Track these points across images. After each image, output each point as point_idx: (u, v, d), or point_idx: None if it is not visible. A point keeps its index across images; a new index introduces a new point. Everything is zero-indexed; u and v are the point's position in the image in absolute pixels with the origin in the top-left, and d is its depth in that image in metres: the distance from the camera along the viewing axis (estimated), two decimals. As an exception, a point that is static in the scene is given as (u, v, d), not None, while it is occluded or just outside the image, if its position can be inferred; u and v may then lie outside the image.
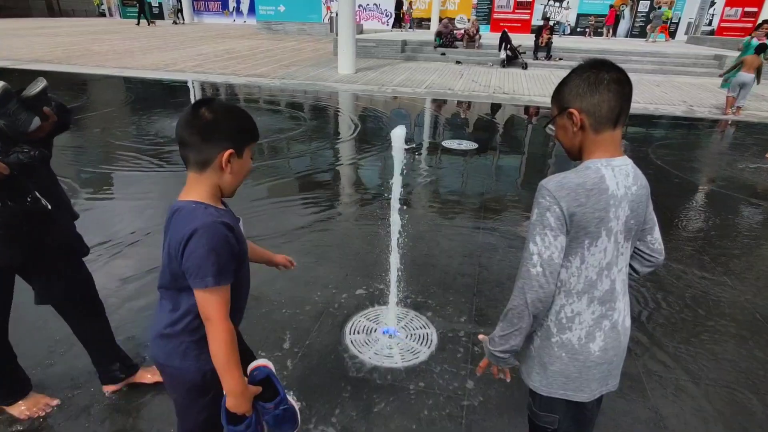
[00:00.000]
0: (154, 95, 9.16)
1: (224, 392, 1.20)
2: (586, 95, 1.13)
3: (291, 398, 1.34)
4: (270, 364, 1.30)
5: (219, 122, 1.14)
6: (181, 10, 28.39)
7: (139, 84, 10.04)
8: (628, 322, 1.28)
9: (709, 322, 2.76)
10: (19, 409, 1.93)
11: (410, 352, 2.45)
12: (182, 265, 1.13)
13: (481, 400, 2.15)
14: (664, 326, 2.71)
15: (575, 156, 1.23)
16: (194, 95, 9.17)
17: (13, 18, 28.16)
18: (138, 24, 25.53)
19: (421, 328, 2.63)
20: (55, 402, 2.01)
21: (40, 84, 1.54)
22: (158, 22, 27.90)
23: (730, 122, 8.25)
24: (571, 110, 1.15)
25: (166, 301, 1.26)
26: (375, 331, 2.59)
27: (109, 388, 2.09)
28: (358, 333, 2.57)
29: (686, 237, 3.88)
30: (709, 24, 21.92)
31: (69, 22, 27.46)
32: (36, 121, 1.54)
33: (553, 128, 1.25)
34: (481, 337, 1.39)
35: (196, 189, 1.19)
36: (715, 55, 13.63)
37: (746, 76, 8.17)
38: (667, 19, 20.91)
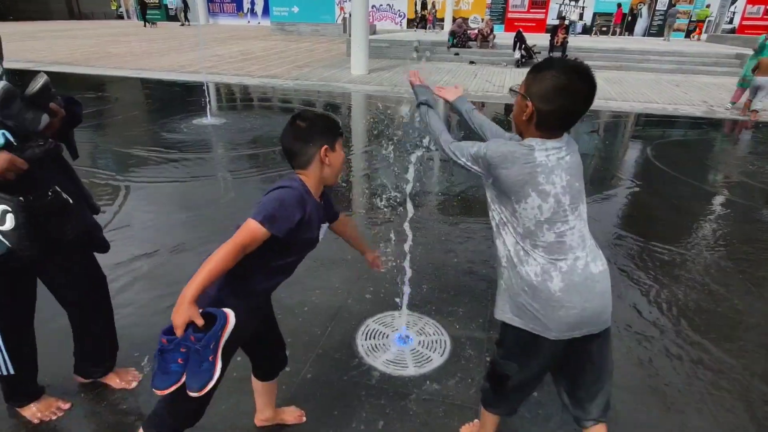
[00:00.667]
0: (171, 96, 9.27)
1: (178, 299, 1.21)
2: (551, 99, 1.27)
3: (219, 365, 1.26)
4: (231, 315, 1.28)
5: (311, 127, 1.42)
6: (186, 12, 28.16)
7: (156, 85, 10.17)
8: (596, 269, 1.36)
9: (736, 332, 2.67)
10: (31, 411, 1.94)
11: (423, 358, 2.41)
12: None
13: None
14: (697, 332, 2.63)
15: (518, 131, 1.42)
16: (209, 96, 9.25)
17: (34, 21, 28.82)
18: (145, 26, 25.98)
19: (433, 334, 2.59)
20: (67, 405, 2.01)
21: (41, 80, 1.53)
22: (166, 24, 28.19)
23: (750, 124, 8.02)
24: (529, 104, 1.30)
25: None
26: (387, 336, 2.56)
27: (79, 379, 2.13)
28: (370, 339, 2.54)
29: (707, 244, 3.77)
30: (730, 22, 21.42)
31: (88, 24, 27.98)
32: (45, 118, 1.54)
33: (515, 95, 1.38)
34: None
35: (303, 176, 1.44)
36: (737, 54, 13.29)
37: (763, 80, 7.88)
38: (706, 17, 20.53)
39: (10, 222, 1.48)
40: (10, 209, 1.47)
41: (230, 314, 1.28)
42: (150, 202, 4.22)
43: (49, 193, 1.57)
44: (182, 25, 27.90)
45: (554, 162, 1.31)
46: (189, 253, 3.33)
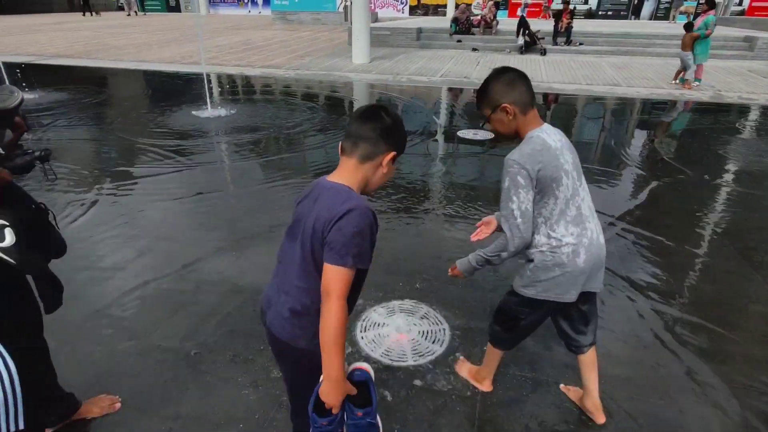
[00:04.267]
0: (171, 88, 9.24)
1: (321, 377, 1.18)
2: (510, 92, 1.59)
3: (378, 419, 1.27)
4: (371, 370, 1.26)
5: (395, 128, 1.31)
6: None
7: (156, 77, 10.14)
8: (602, 239, 1.71)
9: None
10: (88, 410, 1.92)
11: (422, 349, 2.41)
12: (327, 238, 1.17)
13: (494, 400, 2.10)
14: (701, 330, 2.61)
15: (513, 137, 1.66)
16: (209, 86, 9.21)
17: (36, 14, 28.72)
18: (84, 15, 26.70)
19: (434, 324, 2.59)
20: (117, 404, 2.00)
21: (17, 97, 1.51)
22: (167, 14, 28.06)
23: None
24: (504, 105, 1.58)
25: (299, 278, 1.26)
26: (386, 326, 2.56)
27: None
28: (369, 329, 2.54)
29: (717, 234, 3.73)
30: (740, 4, 20.96)
31: (88, 16, 27.86)
32: (8, 134, 1.53)
33: (488, 125, 1.68)
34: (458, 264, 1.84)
35: (351, 176, 1.29)
36: (746, 37, 13.02)
37: (682, 53, 8.76)
38: None
39: (10, 237, 1.37)
40: (7, 223, 1.37)
41: (369, 369, 1.27)
42: (151, 197, 4.23)
43: (33, 206, 1.53)
44: (129, 15, 27.93)
45: (560, 144, 1.61)
46: (175, 243, 3.34)
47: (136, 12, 28.71)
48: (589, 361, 1.94)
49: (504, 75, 1.61)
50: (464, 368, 2.25)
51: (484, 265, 1.72)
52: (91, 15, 27.14)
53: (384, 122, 1.28)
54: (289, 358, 1.36)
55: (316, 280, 1.21)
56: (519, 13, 14.78)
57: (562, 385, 2.16)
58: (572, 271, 1.63)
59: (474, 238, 1.90)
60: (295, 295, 1.27)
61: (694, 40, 8.69)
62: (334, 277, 1.16)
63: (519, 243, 1.58)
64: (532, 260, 1.67)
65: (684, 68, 8.98)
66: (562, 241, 1.61)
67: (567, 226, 1.61)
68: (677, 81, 9.18)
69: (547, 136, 1.59)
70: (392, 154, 1.30)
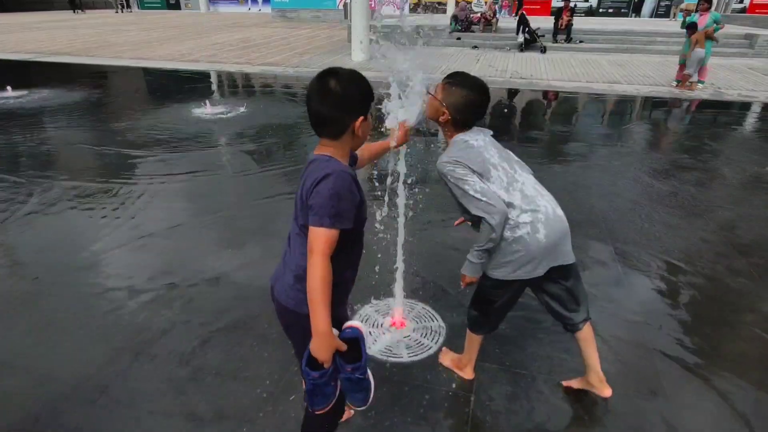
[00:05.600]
0: (170, 86, 9.22)
1: (312, 332, 1.21)
2: (461, 107, 1.73)
3: (370, 374, 1.33)
4: (363, 328, 1.30)
5: (350, 94, 1.25)
6: None
7: (155, 74, 10.13)
8: (559, 211, 1.78)
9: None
10: None
11: (417, 345, 2.40)
12: (309, 202, 1.23)
13: (487, 396, 2.10)
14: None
15: (430, 119, 1.82)
16: (209, 85, 9.20)
17: (36, 12, 28.69)
18: (75, 12, 26.93)
19: (428, 320, 2.59)
20: None
21: None
22: (165, 12, 28.00)
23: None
24: (446, 110, 1.74)
25: (300, 244, 1.31)
26: (381, 324, 2.55)
27: None
28: (365, 326, 2.53)
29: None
30: (740, 1, 20.88)
31: (88, 14, 27.83)
32: None
33: (428, 97, 1.80)
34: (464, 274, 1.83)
35: (330, 150, 1.31)
36: (746, 34, 12.98)
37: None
38: None
39: None
40: None
41: (361, 327, 1.30)
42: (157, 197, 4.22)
43: None
44: (120, 11, 27.95)
45: (481, 143, 1.75)
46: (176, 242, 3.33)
47: (122, 10, 28.73)
48: (586, 336, 1.97)
49: (474, 95, 1.71)
50: (447, 357, 2.28)
51: (484, 256, 1.74)
52: (83, 12, 27.30)
53: (336, 96, 1.24)
54: (297, 327, 1.37)
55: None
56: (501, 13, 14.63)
57: (563, 382, 2.15)
58: (536, 248, 1.70)
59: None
60: (298, 262, 1.32)
61: (707, 36, 8.40)
62: (315, 237, 1.21)
63: (498, 217, 1.62)
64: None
65: (690, 71, 8.54)
66: (518, 221, 1.69)
67: (517, 209, 1.69)
68: (689, 83, 8.67)
69: (468, 138, 1.74)
70: (360, 119, 1.29)
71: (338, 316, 1.33)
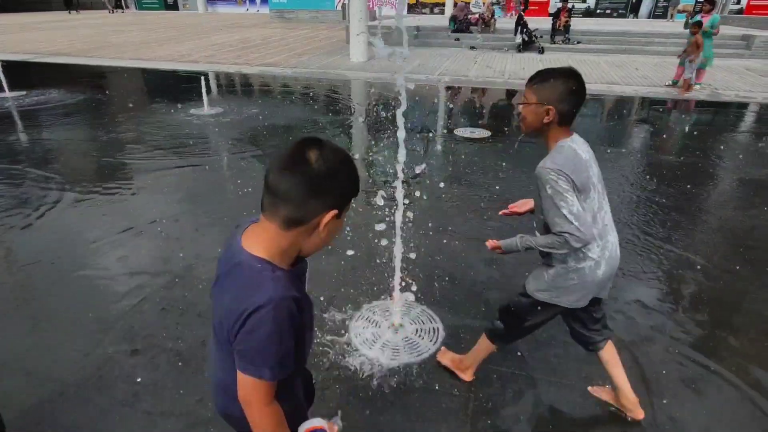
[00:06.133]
0: (169, 86, 9.22)
1: None
2: (565, 100, 1.56)
3: None
4: (325, 426, 1.09)
5: (331, 176, 0.92)
6: None
7: (154, 75, 10.12)
8: (617, 251, 1.73)
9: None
10: None
11: (416, 347, 2.42)
12: (234, 342, 0.94)
13: (486, 397, 2.11)
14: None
15: (531, 134, 1.66)
16: (207, 86, 9.20)
17: (34, 12, 28.61)
18: (70, 12, 27.02)
19: (427, 322, 2.60)
20: None
21: None
22: (164, 12, 27.94)
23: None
24: (550, 108, 1.56)
25: (222, 354, 1.04)
26: (380, 325, 2.57)
27: None
28: (364, 327, 2.55)
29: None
30: (738, 2, 20.95)
31: (83, 14, 27.77)
32: None
33: (522, 107, 1.64)
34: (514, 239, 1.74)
35: (270, 244, 0.96)
36: (743, 35, 13.02)
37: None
38: None
39: None
40: None
41: (323, 426, 1.08)
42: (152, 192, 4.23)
43: None
44: (111, 12, 27.94)
45: (588, 156, 1.62)
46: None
47: (113, 10, 28.70)
48: (609, 357, 1.93)
49: (572, 81, 1.56)
50: (446, 357, 2.26)
51: (526, 250, 1.70)
52: (77, 13, 27.30)
53: (312, 171, 0.90)
54: (232, 423, 1.17)
55: (233, 364, 0.99)
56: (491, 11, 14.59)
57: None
58: (590, 282, 1.67)
59: (502, 212, 1.95)
60: (221, 372, 1.08)
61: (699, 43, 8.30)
62: (253, 390, 0.96)
63: (580, 246, 1.55)
64: (552, 266, 1.69)
65: (691, 74, 8.43)
66: (587, 255, 1.63)
67: (593, 238, 1.60)
68: (694, 85, 8.52)
69: (577, 147, 1.60)
70: (331, 213, 0.93)
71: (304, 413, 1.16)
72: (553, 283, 1.70)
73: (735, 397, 2.13)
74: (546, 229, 1.62)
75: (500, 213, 1.94)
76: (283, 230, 0.94)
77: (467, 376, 2.16)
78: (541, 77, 1.60)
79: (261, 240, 0.96)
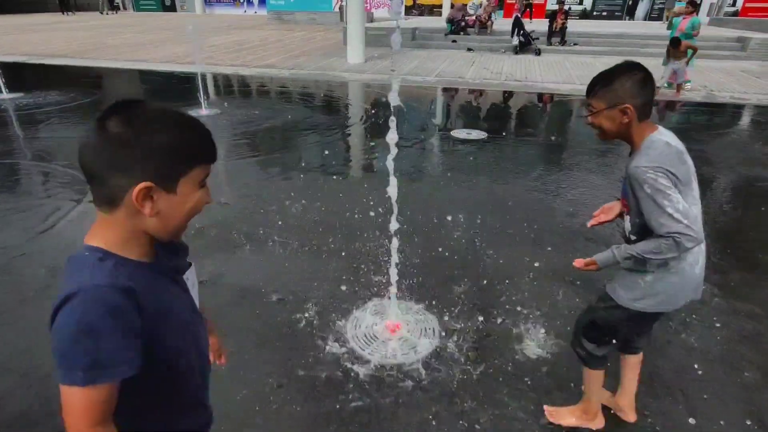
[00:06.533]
0: (167, 87, 9.21)
1: None
2: (638, 94, 1.46)
3: None
4: None
5: (133, 141, 0.76)
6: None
7: (151, 76, 10.11)
8: (704, 246, 1.59)
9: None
10: None
11: (411, 346, 2.43)
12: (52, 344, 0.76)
13: (482, 395, 2.12)
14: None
15: (614, 138, 1.55)
16: (204, 87, 9.20)
17: (31, 14, 28.55)
18: (64, 14, 27.00)
19: (423, 321, 2.61)
20: None
21: None
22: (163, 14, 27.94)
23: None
24: (627, 106, 1.46)
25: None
26: (376, 325, 2.57)
27: None
28: (359, 327, 2.56)
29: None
30: (733, 5, 21.10)
31: (78, 15, 27.73)
32: None
33: (591, 118, 1.54)
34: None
35: (105, 232, 0.82)
36: (739, 38, 13.12)
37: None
38: None
39: None
40: None
41: None
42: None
43: None
44: (104, 13, 27.92)
45: (681, 146, 1.51)
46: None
47: (107, 12, 28.70)
48: (636, 361, 1.91)
49: (636, 73, 1.47)
50: (563, 414, 1.99)
51: (631, 263, 1.53)
52: (73, 14, 27.39)
53: (110, 140, 0.76)
54: None
55: None
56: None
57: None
58: (690, 280, 1.56)
59: (591, 224, 1.75)
60: None
61: (687, 46, 8.39)
62: (66, 401, 0.76)
63: (692, 245, 1.42)
64: (650, 272, 1.54)
65: (676, 79, 8.55)
66: (690, 250, 1.49)
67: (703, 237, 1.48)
68: (684, 85, 8.65)
69: (668, 139, 1.49)
70: (140, 187, 0.77)
71: None
72: (652, 289, 1.55)
73: (733, 403, 2.15)
74: (643, 234, 1.49)
75: (588, 225, 1.76)
76: (105, 214, 0.81)
77: (598, 423, 1.95)
78: (603, 81, 1.50)
79: (96, 229, 0.84)
